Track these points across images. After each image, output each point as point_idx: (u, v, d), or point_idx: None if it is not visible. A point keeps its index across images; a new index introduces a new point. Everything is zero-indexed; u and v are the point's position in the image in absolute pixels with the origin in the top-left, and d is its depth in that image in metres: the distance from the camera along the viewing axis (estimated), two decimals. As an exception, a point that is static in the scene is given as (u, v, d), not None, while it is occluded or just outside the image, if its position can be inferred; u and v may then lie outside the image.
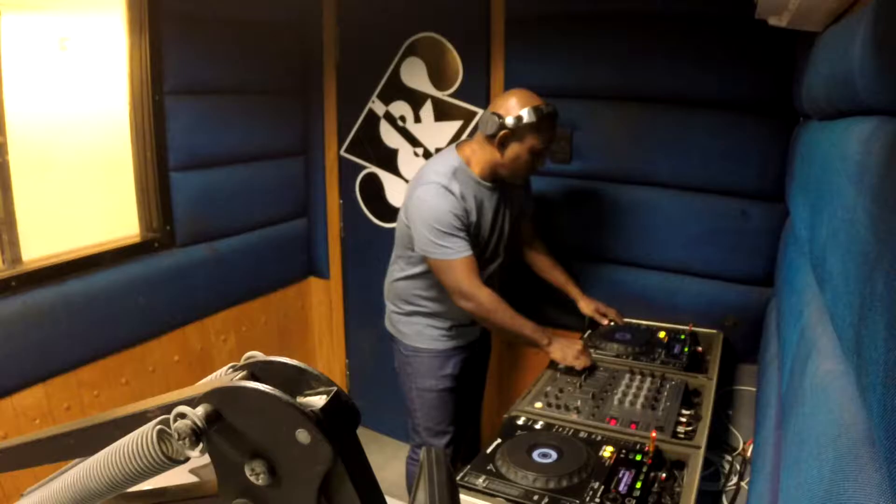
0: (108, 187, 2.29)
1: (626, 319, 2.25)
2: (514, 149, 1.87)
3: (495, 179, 1.98)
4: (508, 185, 2.04)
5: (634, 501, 1.27)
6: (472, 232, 1.92)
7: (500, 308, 1.88)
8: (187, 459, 0.60)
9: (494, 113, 1.86)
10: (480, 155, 1.93)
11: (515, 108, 1.83)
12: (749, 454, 1.53)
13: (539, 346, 1.90)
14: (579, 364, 1.86)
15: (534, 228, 2.28)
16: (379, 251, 2.51)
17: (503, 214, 2.06)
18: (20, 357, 1.95)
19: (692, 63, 2.09)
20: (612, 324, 2.20)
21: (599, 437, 1.53)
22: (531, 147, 1.86)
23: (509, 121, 1.83)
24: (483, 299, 1.86)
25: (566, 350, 1.88)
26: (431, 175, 1.90)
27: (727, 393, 1.96)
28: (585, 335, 2.14)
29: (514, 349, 2.66)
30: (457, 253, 1.84)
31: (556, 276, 2.26)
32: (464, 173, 1.92)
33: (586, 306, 2.22)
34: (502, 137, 1.85)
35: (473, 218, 1.92)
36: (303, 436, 0.57)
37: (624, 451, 1.45)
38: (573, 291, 2.24)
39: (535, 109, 1.82)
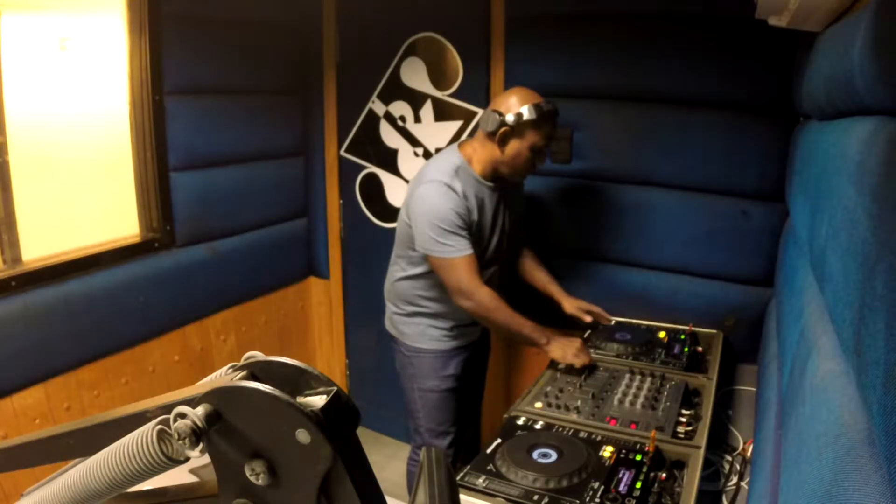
0: (108, 187, 2.29)
1: (627, 319, 2.24)
2: (514, 146, 1.87)
3: (496, 179, 1.98)
4: (508, 185, 2.05)
5: (634, 501, 1.27)
6: (473, 231, 1.92)
7: (500, 307, 1.88)
8: (187, 459, 0.60)
9: (495, 110, 1.87)
10: (482, 153, 1.93)
11: (516, 105, 1.84)
12: (749, 454, 1.53)
13: (538, 345, 1.90)
14: (578, 362, 1.86)
15: (523, 231, 2.27)
16: (379, 251, 2.51)
17: (504, 214, 2.06)
18: (20, 357, 1.95)
19: (692, 63, 2.09)
20: (598, 324, 2.17)
21: (599, 437, 1.53)
22: (531, 144, 1.86)
23: (509, 118, 1.84)
24: (483, 298, 1.86)
25: (565, 348, 1.88)
26: (434, 173, 1.91)
27: (727, 393, 1.96)
28: (586, 335, 2.14)
29: (514, 349, 2.66)
30: (458, 251, 1.85)
31: (538, 277, 2.23)
32: (465, 172, 1.93)
33: (569, 305, 2.18)
34: (503, 134, 1.86)
35: (475, 217, 1.93)
36: (303, 436, 0.57)
37: (624, 451, 1.45)
38: (555, 291, 2.20)
39: (536, 106, 1.83)
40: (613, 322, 2.21)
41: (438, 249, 1.86)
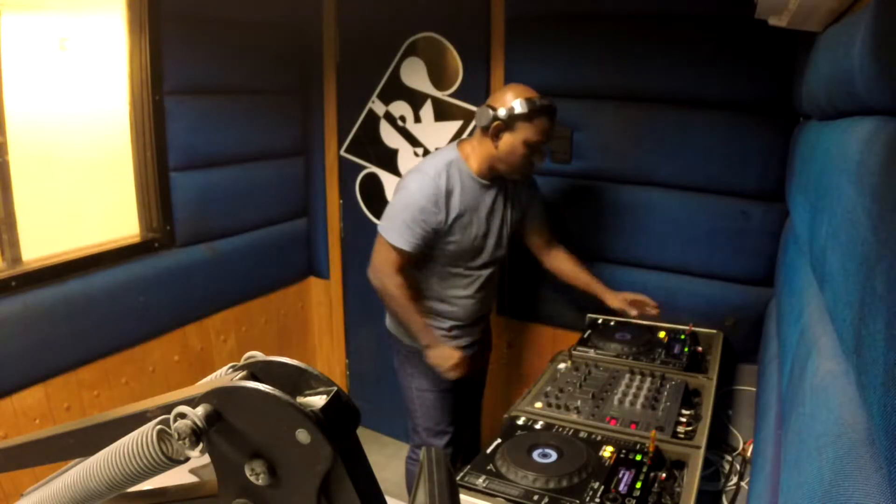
0: (108, 187, 2.29)
1: (627, 319, 2.24)
2: (507, 141, 1.88)
3: (495, 177, 1.98)
4: (513, 185, 2.04)
5: (634, 501, 1.27)
6: (446, 227, 1.93)
7: (400, 299, 1.96)
8: (187, 459, 0.60)
9: (489, 105, 1.89)
10: (479, 150, 1.94)
11: (509, 100, 1.86)
12: (749, 454, 1.53)
13: (420, 346, 2.01)
14: (452, 375, 1.99)
15: (550, 232, 2.24)
16: (379, 251, 2.51)
17: (503, 215, 2.05)
18: (20, 357, 1.95)
19: (692, 63, 2.09)
20: (650, 313, 2.09)
21: (599, 437, 1.53)
22: (525, 139, 1.86)
23: (501, 112, 1.85)
24: (389, 285, 1.95)
25: (444, 359, 1.98)
26: (423, 166, 1.96)
27: (727, 393, 1.96)
28: (586, 334, 2.14)
29: (514, 349, 2.66)
30: (403, 242, 1.90)
31: (580, 277, 2.21)
32: (457, 168, 1.94)
33: (613, 300, 2.14)
34: (495, 129, 1.87)
35: (457, 213, 1.93)
36: (303, 436, 0.57)
37: (624, 451, 1.45)
38: (598, 289, 2.18)
39: (528, 101, 1.84)
40: (657, 312, 2.11)
41: (388, 230, 1.93)
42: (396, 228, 1.91)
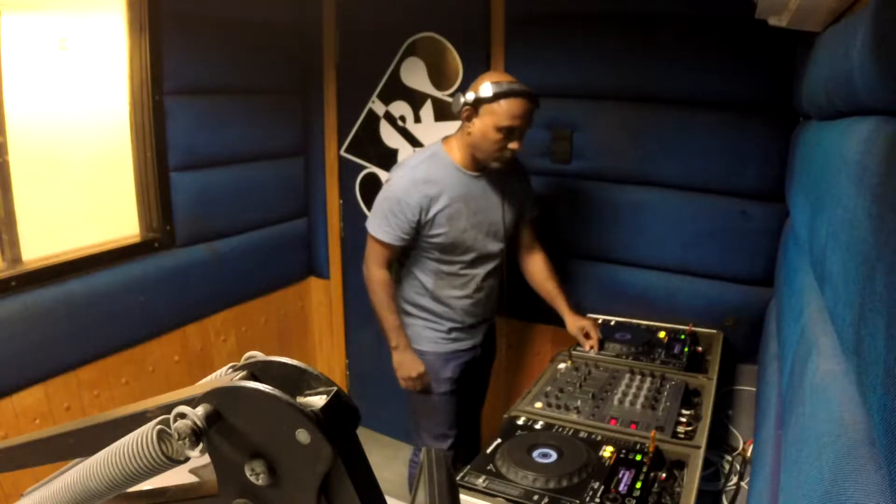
0: (108, 187, 2.29)
1: (627, 319, 2.24)
2: (478, 126, 1.89)
3: (483, 168, 1.98)
4: (508, 179, 2.04)
5: (634, 501, 1.28)
6: (437, 219, 1.94)
7: (380, 293, 2.01)
8: (187, 459, 0.60)
9: (460, 92, 1.91)
10: (460, 140, 1.97)
11: (479, 85, 1.87)
12: (749, 454, 1.53)
13: (389, 345, 2.07)
14: (405, 384, 2.07)
15: (534, 234, 2.21)
16: (379, 251, 2.50)
17: (499, 209, 2.04)
18: (20, 357, 1.95)
19: (692, 63, 2.09)
20: (591, 350, 2.03)
21: (599, 437, 1.53)
22: (495, 124, 1.85)
23: (469, 97, 1.87)
24: (371, 277, 2.02)
25: (405, 366, 2.04)
26: (406, 160, 2.02)
27: (727, 393, 1.96)
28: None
29: (514, 350, 2.66)
30: (383, 234, 1.96)
31: (548, 288, 2.19)
32: (440, 160, 1.97)
33: (573, 325, 2.10)
34: (466, 114, 1.89)
35: (443, 205, 1.94)
36: (303, 436, 0.57)
37: (624, 451, 1.45)
38: (561, 307, 2.16)
39: (495, 84, 1.84)
40: (593, 353, 2.03)
41: (372, 224, 1.98)
42: (377, 220, 1.97)
